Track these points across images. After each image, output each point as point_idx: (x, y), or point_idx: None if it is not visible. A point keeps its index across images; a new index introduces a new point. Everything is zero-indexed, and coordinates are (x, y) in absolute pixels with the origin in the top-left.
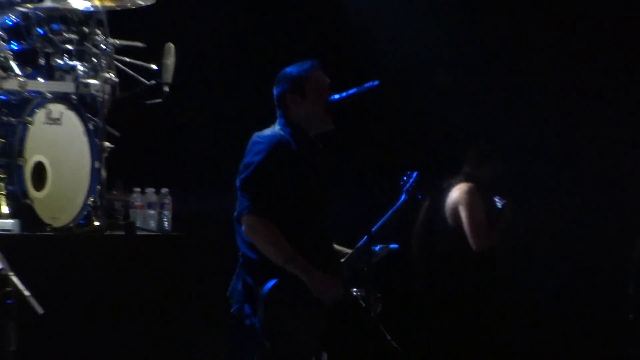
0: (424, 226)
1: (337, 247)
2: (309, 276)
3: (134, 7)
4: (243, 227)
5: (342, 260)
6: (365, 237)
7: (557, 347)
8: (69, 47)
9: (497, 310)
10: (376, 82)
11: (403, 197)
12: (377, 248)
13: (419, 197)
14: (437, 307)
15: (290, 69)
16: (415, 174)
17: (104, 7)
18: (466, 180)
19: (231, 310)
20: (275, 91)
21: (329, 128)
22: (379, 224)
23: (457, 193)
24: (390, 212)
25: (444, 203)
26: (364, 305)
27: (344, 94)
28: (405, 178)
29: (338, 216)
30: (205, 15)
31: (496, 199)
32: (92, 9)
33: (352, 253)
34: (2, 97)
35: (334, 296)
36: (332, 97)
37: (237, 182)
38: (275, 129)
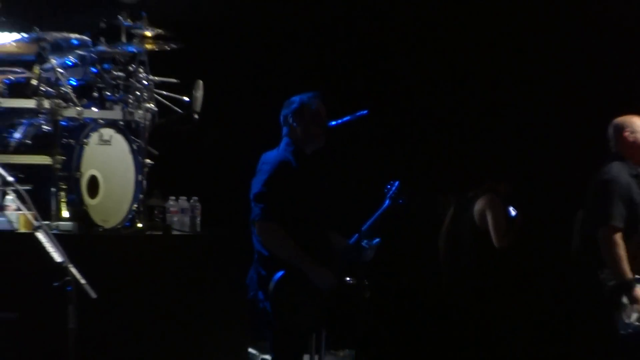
0: (451, 227)
1: (338, 237)
2: (309, 269)
3: (169, 50)
4: (256, 230)
5: (339, 251)
6: (356, 235)
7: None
8: (117, 82)
9: (512, 295)
10: (365, 112)
11: (387, 202)
12: (364, 243)
13: (400, 202)
14: (463, 294)
15: (295, 97)
16: (397, 183)
17: (145, 49)
18: (490, 191)
19: (248, 296)
20: (282, 113)
21: (321, 145)
22: (367, 224)
23: (484, 200)
24: (376, 214)
25: (472, 208)
26: (355, 291)
27: (340, 120)
28: (388, 186)
29: (339, 213)
30: (226, 57)
31: (510, 209)
32: (135, 51)
33: (346, 247)
34: (63, 123)
35: (329, 284)
36: (331, 123)
37: (251, 195)
38: (280, 149)
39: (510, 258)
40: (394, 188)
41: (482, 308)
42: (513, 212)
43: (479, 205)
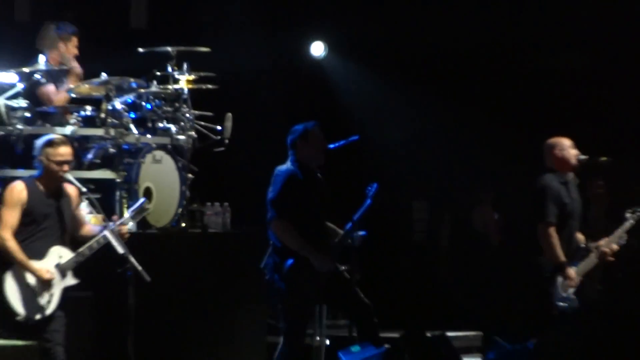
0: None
1: (334, 228)
2: (313, 256)
3: (205, 90)
4: (272, 227)
5: (336, 240)
6: (350, 223)
7: None
8: (166, 115)
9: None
10: (357, 137)
11: (368, 201)
12: (355, 235)
13: (368, 202)
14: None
15: (299, 125)
16: (375, 184)
17: (187, 90)
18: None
19: (265, 278)
20: (289, 138)
21: (321, 162)
22: (356, 215)
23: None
24: (361, 210)
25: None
26: (347, 275)
27: (337, 144)
28: (369, 188)
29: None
30: (249, 96)
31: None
32: (179, 91)
33: (342, 235)
34: (125, 146)
35: (328, 268)
36: (329, 146)
37: (267, 200)
38: (288, 164)
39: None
40: (373, 189)
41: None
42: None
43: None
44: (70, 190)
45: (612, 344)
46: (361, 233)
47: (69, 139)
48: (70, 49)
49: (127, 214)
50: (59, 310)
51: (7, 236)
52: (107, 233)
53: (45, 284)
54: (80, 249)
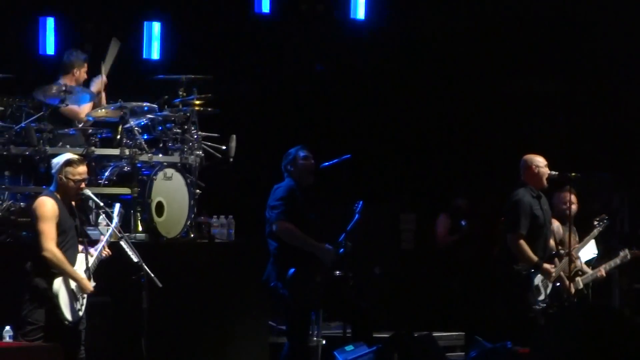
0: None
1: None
2: (317, 248)
3: (212, 113)
4: (275, 227)
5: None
6: (343, 234)
7: None
8: (176, 136)
9: None
10: (349, 156)
11: (357, 216)
12: (342, 250)
13: (357, 217)
14: None
15: (291, 150)
16: (361, 202)
17: (195, 113)
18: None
19: (270, 286)
20: (282, 163)
21: (311, 182)
22: (348, 227)
23: None
24: (351, 224)
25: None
26: (342, 281)
27: (329, 162)
28: (356, 204)
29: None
30: (250, 118)
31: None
32: (188, 114)
33: (335, 245)
34: (139, 165)
35: (331, 258)
36: (322, 165)
37: (267, 206)
38: (285, 182)
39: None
40: (359, 206)
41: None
42: (463, 222)
43: None
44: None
45: (605, 340)
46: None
47: (87, 158)
48: (82, 74)
49: (114, 222)
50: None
51: (54, 248)
52: (122, 243)
53: (81, 290)
54: (95, 255)
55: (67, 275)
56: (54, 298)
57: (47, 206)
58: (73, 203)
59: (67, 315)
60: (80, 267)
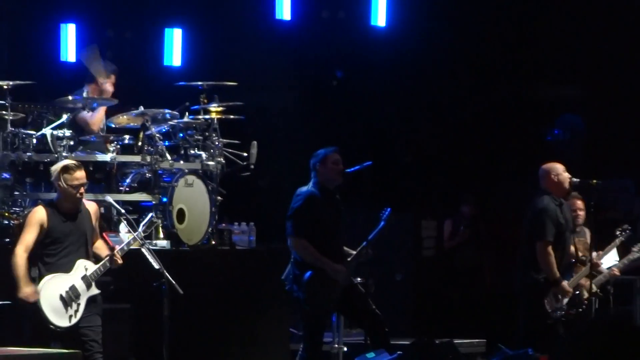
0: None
1: (347, 249)
2: (330, 267)
3: (233, 120)
4: (289, 242)
5: (349, 259)
6: (365, 242)
7: None
8: (197, 143)
9: None
10: (370, 163)
11: (382, 223)
12: (368, 252)
13: (382, 224)
14: None
15: (321, 150)
16: (389, 209)
17: (216, 120)
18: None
19: (286, 289)
20: (311, 161)
21: (338, 184)
22: (371, 236)
23: None
24: (375, 231)
25: None
26: (362, 288)
27: (353, 168)
28: (383, 211)
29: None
30: (271, 125)
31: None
32: (209, 121)
33: (357, 252)
34: (160, 172)
35: (343, 277)
36: (346, 170)
37: (287, 216)
38: (309, 185)
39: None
40: (386, 213)
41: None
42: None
43: None
44: (90, 206)
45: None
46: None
47: (107, 164)
48: (106, 84)
49: (140, 227)
50: (93, 320)
51: (19, 252)
52: (143, 250)
53: (75, 295)
54: (101, 262)
55: (18, 281)
56: (37, 303)
57: (34, 214)
58: (94, 208)
59: (54, 320)
60: (79, 272)
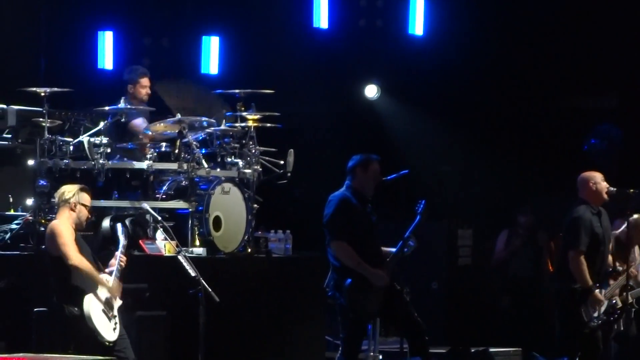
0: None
1: (385, 248)
2: (369, 272)
3: (270, 128)
4: (331, 248)
5: (388, 259)
6: (401, 241)
7: None
8: (234, 151)
9: None
10: (407, 171)
11: (418, 217)
12: (406, 250)
13: (418, 218)
14: None
15: (360, 155)
16: (423, 201)
17: (253, 128)
18: None
19: (327, 295)
20: (349, 164)
21: (371, 194)
22: (407, 232)
23: None
24: (412, 226)
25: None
26: (401, 294)
27: (390, 177)
28: (418, 204)
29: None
30: (307, 133)
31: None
32: (246, 129)
33: (394, 253)
34: (196, 179)
35: (382, 282)
36: (385, 178)
37: (323, 224)
38: (342, 189)
39: None
40: (422, 206)
41: None
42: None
43: None
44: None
45: None
46: (411, 243)
47: (144, 172)
48: (138, 90)
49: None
50: (124, 329)
51: (79, 255)
52: (180, 258)
53: (110, 308)
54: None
55: (94, 281)
56: (88, 322)
57: (61, 226)
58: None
59: (106, 336)
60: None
